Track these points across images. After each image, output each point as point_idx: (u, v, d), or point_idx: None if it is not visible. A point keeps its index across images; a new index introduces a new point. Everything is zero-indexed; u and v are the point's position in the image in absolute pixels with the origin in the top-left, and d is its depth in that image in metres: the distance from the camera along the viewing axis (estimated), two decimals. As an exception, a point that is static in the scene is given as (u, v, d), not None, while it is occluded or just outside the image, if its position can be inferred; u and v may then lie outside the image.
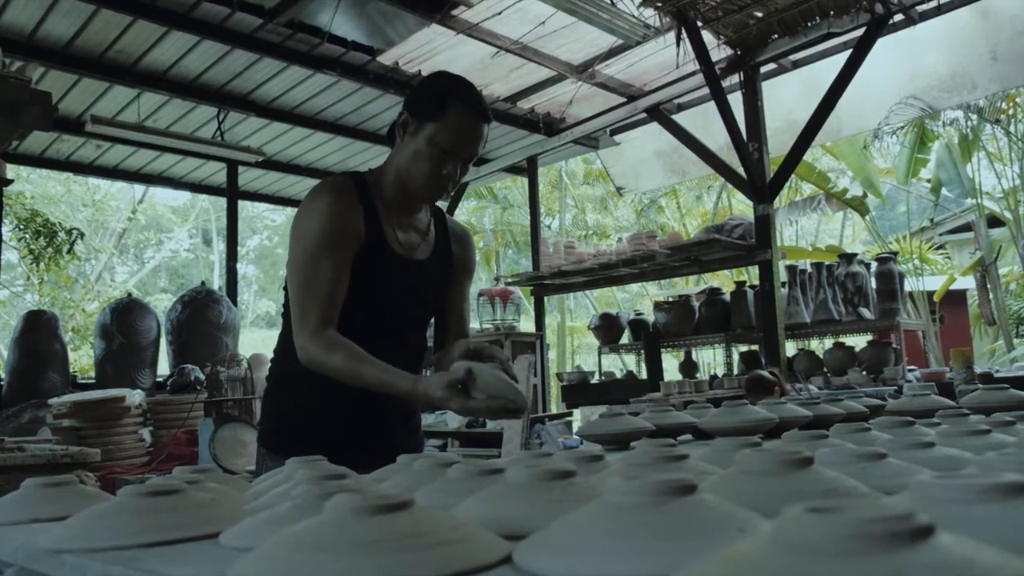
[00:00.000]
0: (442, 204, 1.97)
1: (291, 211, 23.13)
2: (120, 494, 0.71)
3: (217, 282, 16.71)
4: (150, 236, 22.69)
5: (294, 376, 1.70)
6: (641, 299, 14.89)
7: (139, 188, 18.56)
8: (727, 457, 0.82)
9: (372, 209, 1.67)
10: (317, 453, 1.11)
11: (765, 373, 4.21)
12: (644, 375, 6.88)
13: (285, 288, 1.71)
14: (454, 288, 1.86)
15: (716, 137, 6.16)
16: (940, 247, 10.43)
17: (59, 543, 0.63)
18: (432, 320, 1.90)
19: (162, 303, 15.50)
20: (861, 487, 0.55)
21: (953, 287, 8.31)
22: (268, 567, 0.44)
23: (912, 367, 5.66)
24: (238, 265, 7.42)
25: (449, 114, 1.61)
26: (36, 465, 2.73)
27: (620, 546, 0.41)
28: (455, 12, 5.02)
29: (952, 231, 10.01)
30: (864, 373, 5.39)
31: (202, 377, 4.75)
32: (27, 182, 13.15)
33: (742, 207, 11.98)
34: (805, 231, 13.68)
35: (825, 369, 5.67)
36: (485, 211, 15.47)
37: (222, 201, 8.59)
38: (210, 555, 0.58)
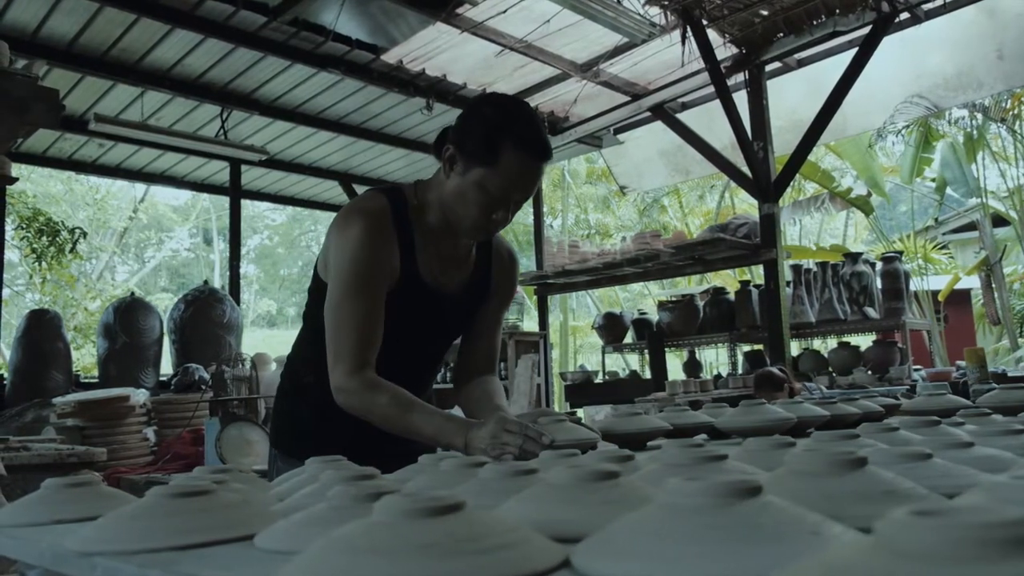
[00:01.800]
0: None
1: (294, 210, 23.17)
2: (149, 495, 0.69)
3: (218, 281, 16.69)
4: (151, 235, 22.67)
5: (306, 377, 1.69)
6: (643, 299, 14.88)
7: (140, 187, 18.56)
8: (763, 457, 0.81)
9: (408, 237, 1.54)
10: (332, 455, 1.09)
11: (775, 370, 4.19)
12: (647, 374, 6.87)
13: (309, 291, 1.68)
14: (486, 314, 1.72)
15: (720, 136, 6.14)
16: (943, 246, 10.42)
17: (89, 545, 0.62)
18: (445, 356, 1.80)
19: (162, 303, 15.48)
20: (919, 488, 0.54)
21: (957, 286, 8.30)
22: (323, 570, 0.42)
23: (918, 367, 5.65)
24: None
25: (503, 159, 1.42)
26: (43, 465, 2.72)
27: (688, 550, 0.40)
28: (460, 10, 5.00)
29: (955, 230, 9.99)
30: (869, 373, 5.38)
31: (206, 376, 4.73)
32: (28, 181, 13.13)
33: (745, 206, 11.97)
34: (807, 231, 13.66)
35: (830, 368, 5.66)
36: (487, 210, 15.39)
37: (223, 200, 8.57)
38: (248, 558, 0.57)
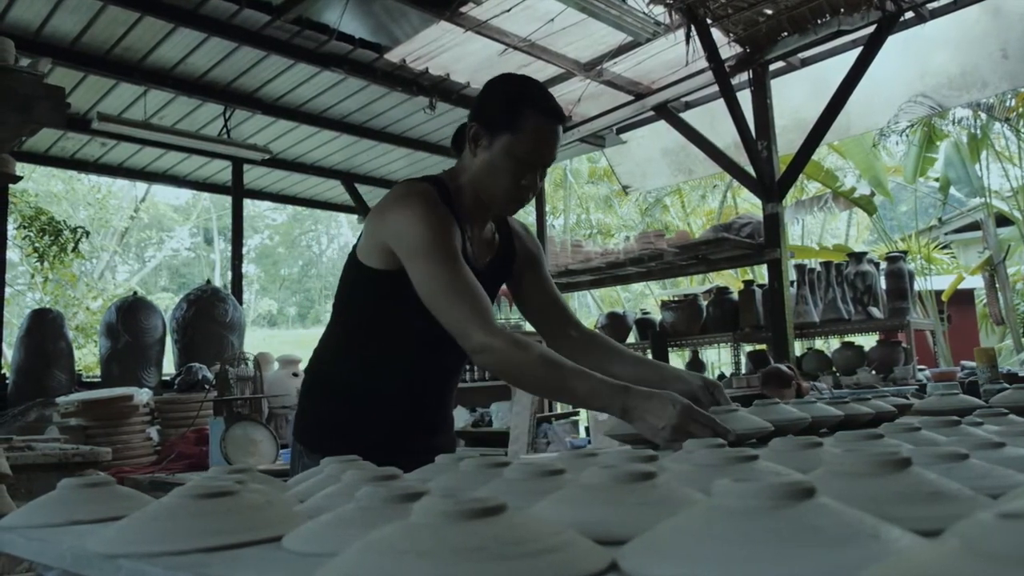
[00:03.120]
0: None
1: (294, 209, 23.14)
2: (171, 496, 0.68)
3: (218, 281, 16.66)
4: (151, 235, 22.67)
5: (338, 376, 1.70)
6: (644, 298, 14.86)
7: (141, 187, 18.55)
8: (792, 458, 0.79)
9: (456, 219, 1.60)
10: (357, 451, 1.09)
11: (783, 367, 4.18)
12: (651, 374, 6.84)
13: (343, 281, 1.69)
14: (532, 280, 1.79)
15: (723, 135, 6.14)
16: (945, 246, 10.41)
17: (113, 547, 0.61)
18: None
19: (163, 302, 15.47)
20: (965, 490, 0.53)
21: (959, 286, 8.29)
22: (366, 574, 0.41)
23: (922, 367, 5.64)
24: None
25: (524, 123, 1.52)
26: (48, 464, 2.71)
27: (745, 553, 0.38)
28: (463, 9, 4.99)
29: (957, 230, 9.98)
30: (873, 373, 5.37)
31: (210, 376, 4.72)
32: (30, 180, 13.12)
33: (747, 206, 11.97)
34: (809, 230, 13.65)
35: (834, 368, 5.65)
36: (488, 210, 15.40)
37: (223, 200, 8.55)
38: (279, 560, 0.56)
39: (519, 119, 1.52)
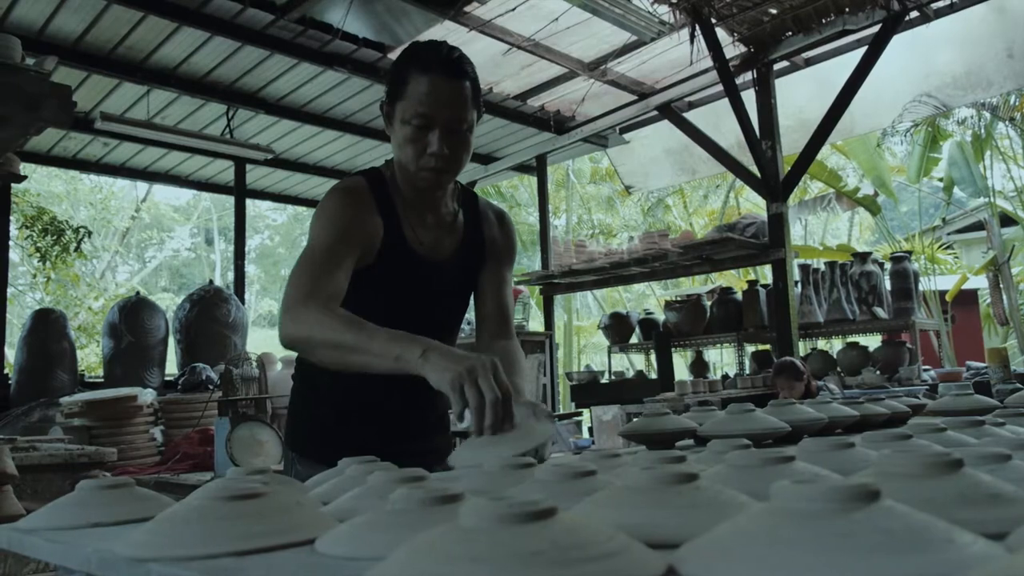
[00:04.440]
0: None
1: (295, 210, 23.14)
2: (197, 498, 0.66)
3: (219, 281, 16.65)
4: (152, 235, 22.64)
5: (322, 378, 1.66)
6: (646, 298, 14.85)
7: (142, 187, 18.54)
8: (827, 459, 0.78)
9: (390, 207, 1.56)
10: (348, 456, 1.06)
11: (797, 361, 4.18)
12: (653, 375, 6.84)
13: None
14: (488, 275, 1.70)
15: (727, 135, 6.12)
16: (948, 246, 10.39)
17: (141, 551, 0.59)
18: (460, 323, 1.79)
19: (163, 302, 15.45)
20: (1021, 491, 0.51)
21: (964, 287, 8.27)
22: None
23: (927, 367, 5.62)
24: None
25: (410, 85, 1.45)
26: (54, 465, 2.69)
27: (814, 559, 0.37)
28: (468, 8, 4.98)
29: (960, 230, 9.96)
30: (878, 373, 5.36)
31: (214, 376, 4.70)
32: (31, 180, 13.09)
33: (749, 206, 11.95)
34: (811, 231, 13.64)
35: (839, 369, 5.63)
36: (491, 210, 15.40)
37: (223, 200, 8.52)
38: (317, 565, 0.54)
39: (405, 82, 1.46)
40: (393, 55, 5.51)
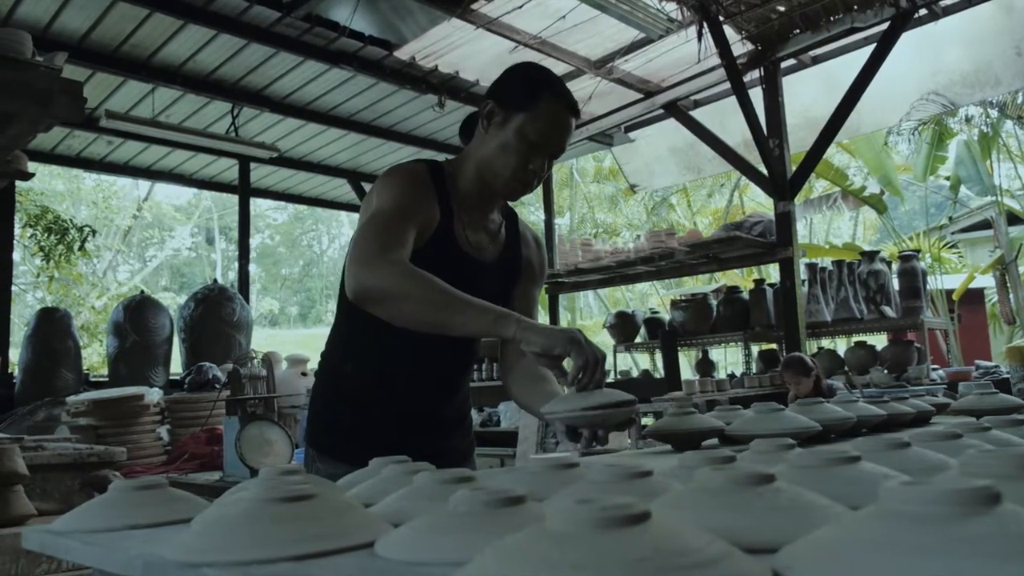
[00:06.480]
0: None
1: (295, 209, 23.12)
2: (241, 500, 0.64)
3: (220, 280, 16.63)
4: (153, 234, 22.62)
5: (345, 376, 1.65)
6: (649, 297, 14.82)
7: (143, 186, 18.51)
8: (885, 459, 0.76)
9: (446, 200, 1.56)
10: (369, 455, 1.04)
11: (806, 356, 4.16)
12: (658, 374, 6.81)
13: (342, 284, 1.63)
14: (521, 292, 1.72)
15: (733, 134, 6.10)
16: (953, 245, 10.36)
17: (192, 555, 0.57)
18: None
19: (164, 302, 15.40)
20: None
21: (969, 286, 8.24)
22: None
23: (935, 366, 5.60)
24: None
25: (542, 104, 1.50)
26: (62, 464, 2.67)
27: (938, 567, 0.35)
28: (474, 6, 4.95)
29: (965, 229, 9.93)
30: (886, 372, 5.33)
31: (220, 375, 4.68)
32: (33, 178, 13.06)
33: (753, 204, 11.93)
34: (815, 230, 13.62)
35: (847, 368, 5.61)
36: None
37: (225, 199, 8.50)
38: (381, 570, 0.52)
39: (537, 100, 1.50)
40: (399, 53, 5.51)
